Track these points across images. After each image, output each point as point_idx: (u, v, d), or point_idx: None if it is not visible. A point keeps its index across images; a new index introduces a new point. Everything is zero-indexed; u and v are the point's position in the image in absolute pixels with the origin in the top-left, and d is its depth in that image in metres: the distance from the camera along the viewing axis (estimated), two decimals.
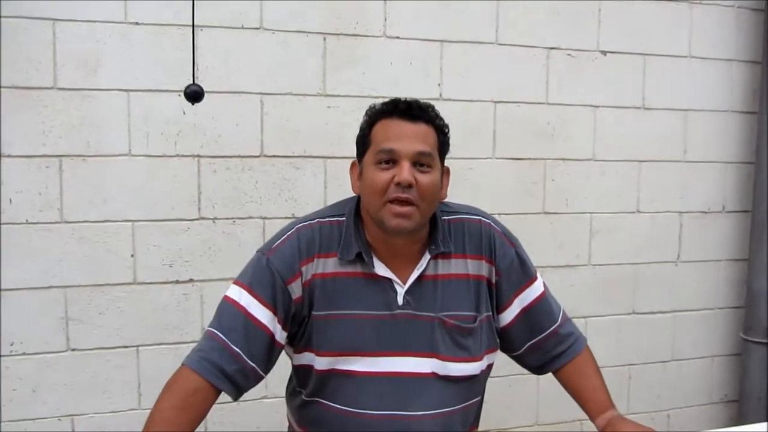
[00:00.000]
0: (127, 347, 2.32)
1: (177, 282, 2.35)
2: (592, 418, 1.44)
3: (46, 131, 2.18)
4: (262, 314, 1.34)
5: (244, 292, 1.36)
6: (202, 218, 2.35)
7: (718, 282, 3.09)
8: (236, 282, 1.40)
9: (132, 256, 2.29)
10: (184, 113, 2.28)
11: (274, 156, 2.40)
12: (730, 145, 3.01)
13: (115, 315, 2.29)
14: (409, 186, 1.30)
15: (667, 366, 3.05)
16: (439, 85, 2.55)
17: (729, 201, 3.04)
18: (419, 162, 1.34)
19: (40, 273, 2.21)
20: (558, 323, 1.52)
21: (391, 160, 1.33)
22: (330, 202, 2.33)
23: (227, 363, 1.31)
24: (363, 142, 1.41)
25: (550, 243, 2.79)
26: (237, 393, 1.35)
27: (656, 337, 3.03)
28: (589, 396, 1.47)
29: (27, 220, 2.18)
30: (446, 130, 1.43)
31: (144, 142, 2.26)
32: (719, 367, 3.14)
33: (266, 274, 1.37)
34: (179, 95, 2.24)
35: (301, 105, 2.41)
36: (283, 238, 1.41)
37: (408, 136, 1.34)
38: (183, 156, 2.31)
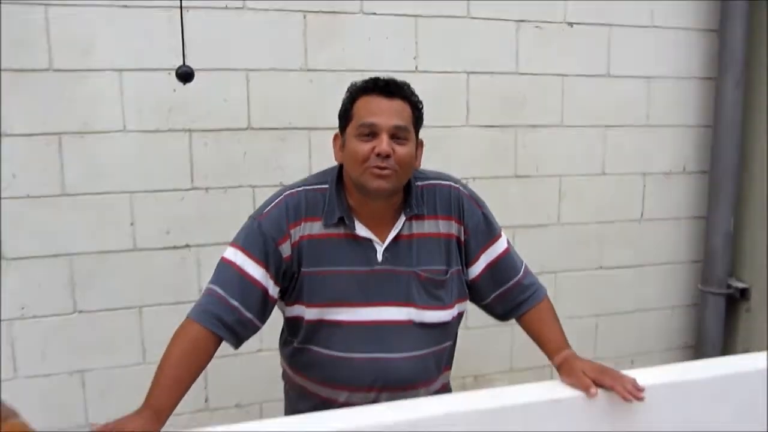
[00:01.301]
0: (130, 308, 2.47)
1: (174, 247, 2.49)
2: (550, 357, 1.59)
3: (44, 111, 2.29)
4: (256, 271, 1.48)
5: (239, 253, 1.50)
6: (195, 188, 2.48)
7: (679, 238, 3.25)
8: (232, 244, 1.54)
9: (131, 224, 2.43)
10: (174, 90, 2.38)
11: (260, 129, 2.52)
12: (690, 109, 3.14)
13: (118, 279, 2.44)
14: (388, 156, 1.44)
15: (631, 316, 3.22)
16: (414, 58, 2.66)
17: (689, 162, 3.18)
18: (396, 135, 1.47)
19: (46, 242, 2.34)
20: (520, 275, 1.67)
21: (371, 133, 1.46)
22: (314, 170, 2.45)
23: (226, 314, 1.45)
24: (345, 116, 1.53)
25: (521, 205, 2.93)
26: (236, 341, 1.49)
27: (621, 290, 3.19)
28: (548, 338, 1.62)
29: (29, 195, 2.30)
30: (420, 106, 1.56)
31: (137, 118, 2.38)
32: (679, 316, 3.32)
33: (258, 237, 1.50)
34: (169, 73, 2.36)
35: (284, 80, 2.52)
36: (272, 204, 1.54)
37: (386, 112, 1.47)
38: (175, 131, 2.42)
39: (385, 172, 1.46)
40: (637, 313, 3.24)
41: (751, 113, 3.09)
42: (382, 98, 1.49)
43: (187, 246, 2.50)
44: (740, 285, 3.18)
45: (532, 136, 2.90)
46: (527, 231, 2.94)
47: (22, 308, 2.34)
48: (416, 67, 2.67)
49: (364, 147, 1.46)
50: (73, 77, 2.30)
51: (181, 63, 1.84)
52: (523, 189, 2.93)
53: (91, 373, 2.45)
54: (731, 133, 3.04)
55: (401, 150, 1.47)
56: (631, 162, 3.10)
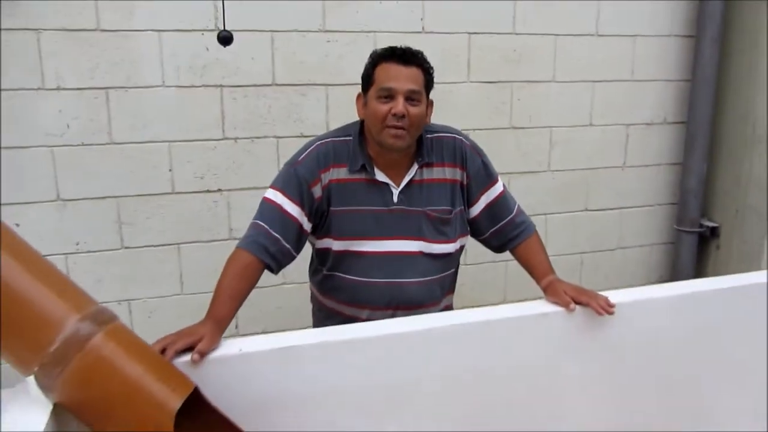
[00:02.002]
0: (169, 245, 2.72)
1: (208, 191, 2.72)
2: (538, 281, 1.84)
3: (93, 67, 2.49)
4: (293, 209, 1.71)
5: (278, 194, 1.73)
6: (226, 138, 2.70)
7: (657, 183, 3.48)
8: (272, 187, 1.76)
9: (170, 170, 2.66)
10: (207, 50, 2.59)
11: (283, 85, 2.72)
12: (671, 65, 3.34)
13: (159, 219, 2.68)
14: (403, 116, 1.66)
15: (613, 253, 3.48)
16: (421, 19, 2.84)
17: (669, 114, 3.39)
18: (410, 97, 1.68)
19: (96, 186, 2.58)
20: (513, 214, 1.90)
21: (389, 95, 1.67)
22: (331, 124, 2.71)
23: (270, 244, 1.68)
24: (367, 80, 1.74)
25: (515, 153, 3.15)
26: (278, 267, 1.73)
27: (605, 230, 3.44)
28: (536, 266, 1.87)
29: (83, 143, 2.53)
30: (432, 72, 1.76)
31: (175, 75, 2.59)
32: (656, 253, 3.58)
33: (294, 180, 1.73)
34: (203, 34, 2.56)
35: (304, 40, 2.71)
36: (306, 153, 1.77)
37: (402, 77, 1.68)
38: (208, 86, 2.63)
39: (400, 132, 1.67)
40: (618, 250, 3.49)
41: (726, 69, 3.29)
42: (400, 65, 1.69)
43: (219, 190, 2.73)
44: (711, 224, 3.43)
45: (526, 91, 3.10)
46: (521, 177, 3.16)
47: (77, 244, 2.59)
48: (423, 28, 2.85)
49: (383, 108, 1.68)
50: (118, 37, 2.49)
51: (221, 27, 2.04)
52: (517, 139, 3.14)
53: (136, 302, 2.71)
54: (707, 87, 3.24)
55: (414, 110, 1.69)
56: (616, 114, 3.30)
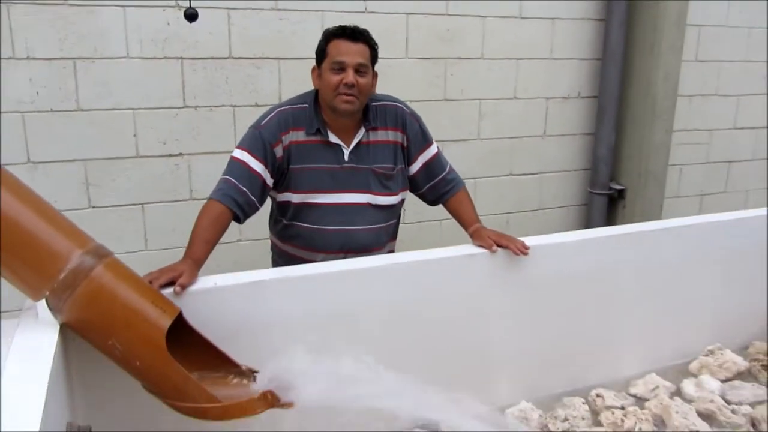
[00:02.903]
0: (134, 205, 2.84)
1: (170, 155, 2.85)
2: (466, 228, 2.09)
3: (61, 39, 2.59)
4: (257, 166, 1.90)
5: (245, 153, 1.91)
6: (187, 106, 2.83)
7: (573, 150, 3.76)
8: (238, 147, 1.93)
9: (134, 135, 2.78)
10: (168, 24, 2.70)
11: (239, 58, 2.86)
12: (585, 45, 3.61)
13: (124, 181, 2.80)
14: (352, 86, 1.86)
15: (535, 213, 3.76)
16: (364, 1, 3.02)
17: (583, 89, 3.67)
18: (359, 70, 1.88)
19: (65, 149, 2.68)
20: (446, 172, 2.14)
21: (341, 68, 1.87)
22: (284, 94, 2.88)
23: (238, 196, 1.86)
24: (321, 54, 1.92)
25: (449, 123, 3.38)
26: (244, 217, 1.90)
27: (527, 193, 3.71)
28: (463, 216, 2.11)
29: (51, 109, 2.63)
30: (376, 48, 1.96)
31: (138, 47, 2.70)
32: (572, 213, 3.88)
33: (258, 141, 1.91)
34: (164, 10, 2.68)
35: (258, 17, 2.85)
36: (268, 117, 1.95)
37: (352, 52, 1.88)
38: (169, 58, 2.76)
39: (350, 98, 1.88)
40: (539, 211, 3.78)
41: (631, 49, 3.59)
42: (349, 42, 1.89)
43: (180, 154, 2.86)
44: (619, 187, 3.76)
45: (458, 67, 3.32)
46: (454, 144, 3.39)
47: None
48: (365, 8, 3.02)
49: (336, 78, 1.87)
50: (84, 10, 2.58)
51: (181, 5, 2.17)
52: (450, 110, 3.36)
53: None
54: (615, 66, 3.55)
55: (362, 80, 1.89)
56: (537, 88, 3.56)
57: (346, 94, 1.87)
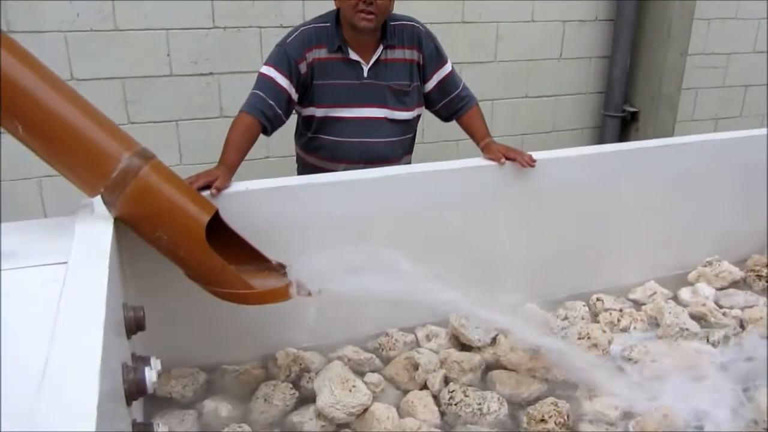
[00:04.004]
0: (169, 121, 2.99)
1: (201, 74, 2.97)
2: (477, 143, 2.19)
3: None
4: (283, 81, 2.01)
5: (272, 69, 2.02)
6: (216, 27, 2.92)
7: (589, 73, 3.80)
8: (266, 64, 2.04)
9: (168, 55, 2.89)
10: None
11: None
12: None
13: (159, 98, 2.93)
14: (371, 3, 1.95)
15: (548, 135, 3.84)
16: None
17: (600, 12, 3.67)
18: None
19: (104, 67, 2.81)
20: (459, 89, 2.23)
21: None
22: (307, 15, 2.94)
23: (266, 109, 1.98)
24: None
25: (466, 45, 3.42)
26: (271, 129, 2.03)
27: (542, 114, 3.77)
28: (476, 131, 2.22)
29: (91, 29, 2.74)
30: None
31: None
32: (586, 135, 3.95)
33: (284, 57, 2.02)
34: None
35: None
36: (293, 36, 2.05)
37: None
38: None
39: (370, 16, 1.97)
40: (553, 133, 3.85)
41: None
42: None
43: (211, 74, 2.98)
44: (632, 110, 3.81)
45: None
46: (471, 66, 3.45)
47: None
48: None
49: None
50: None
51: None
52: (468, 33, 3.40)
53: None
54: None
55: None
56: (554, 11, 3.57)
57: (366, 11, 1.96)
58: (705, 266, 2.49)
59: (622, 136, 3.89)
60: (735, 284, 2.42)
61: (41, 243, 1.42)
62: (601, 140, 3.91)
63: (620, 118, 3.82)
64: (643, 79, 3.72)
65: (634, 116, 3.82)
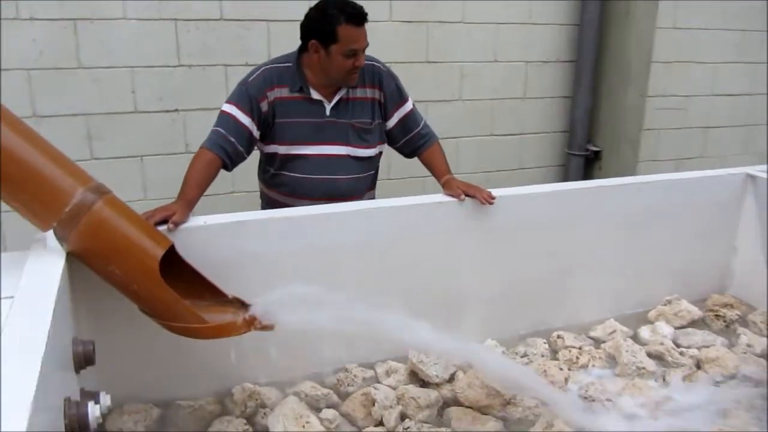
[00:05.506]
0: (133, 157, 2.99)
1: (166, 111, 2.99)
2: (438, 179, 2.22)
3: (62, 1, 2.70)
4: (245, 119, 2.04)
5: (233, 107, 2.05)
6: (182, 65, 2.96)
7: (552, 113, 3.88)
8: (227, 102, 2.07)
9: (133, 92, 2.91)
10: None
11: (230, 20, 2.98)
12: (562, 11, 3.70)
13: (124, 135, 2.94)
14: (360, 64, 2.02)
15: (513, 173, 3.89)
16: None
17: (561, 53, 3.78)
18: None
19: (68, 104, 2.81)
20: (420, 127, 2.27)
21: (354, 54, 2.00)
22: (272, 54, 2.98)
23: (227, 146, 2.00)
24: (330, 36, 1.99)
25: (431, 84, 3.49)
26: (231, 165, 2.05)
27: (508, 152, 3.84)
28: (437, 168, 2.25)
29: (55, 66, 2.76)
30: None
31: (135, 8, 2.81)
32: (550, 173, 4.01)
33: (246, 96, 2.05)
34: None
35: None
36: (255, 75, 2.09)
37: (362, 37, 2.01)
38: (165, 20, 2.87)
39: (357, 74, 2.06)
40: (518, 170, 3.91)
41: (607, 15, 3.70)
42: (360, 28, 2.01)
43: (176, 110, 3.00)
44: (595, 149, 3.90)
45: (440, 30, 3.42)
46: (436, 105, 3.51)
47: None
48: None
49: (349, 62, 2.01)
50: None
51: None
52: (433, 72, 3.47)
53: None
54: (592, 31, 3.66)
55: (363, 57, 2.05)
56: (518, 52, 3.66)
57: (355, 71, 2.04)
58: (665, 305, 2.51)
59: (586, 174, 3.97)
60: (694, 323, 2.43)
61: None
62: (565, 178, 3.97)
63: (584, 157, 3.90)
64: (605, 119, 3.82)
65: (597, 155, 3.90)
